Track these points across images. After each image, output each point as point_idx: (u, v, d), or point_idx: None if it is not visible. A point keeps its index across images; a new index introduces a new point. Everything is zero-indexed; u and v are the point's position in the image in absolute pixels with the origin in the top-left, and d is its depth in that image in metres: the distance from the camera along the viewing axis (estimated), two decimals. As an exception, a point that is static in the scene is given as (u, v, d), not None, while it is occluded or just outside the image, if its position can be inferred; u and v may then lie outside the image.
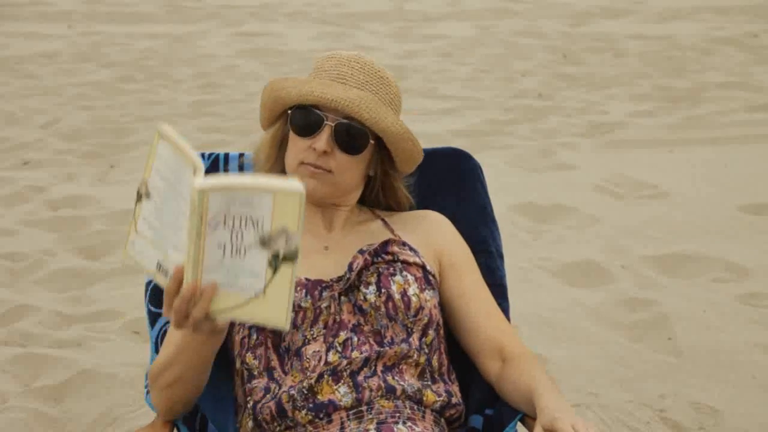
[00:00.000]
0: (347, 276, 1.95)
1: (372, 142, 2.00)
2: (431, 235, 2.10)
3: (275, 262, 1.57)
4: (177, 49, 9.45)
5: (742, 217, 4.95)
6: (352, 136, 1.98)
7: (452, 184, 2.29)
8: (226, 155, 2.27)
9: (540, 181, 5.54)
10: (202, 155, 2.25)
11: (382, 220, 2.12)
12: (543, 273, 4.27)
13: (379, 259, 1.99)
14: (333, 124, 1.97)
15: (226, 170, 2.26)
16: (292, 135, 2.01)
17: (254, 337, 1.94)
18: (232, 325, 1.99)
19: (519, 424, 1.95)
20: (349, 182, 2.03)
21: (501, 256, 2.26)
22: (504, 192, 5.19)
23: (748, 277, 4.20)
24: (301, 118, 1.99)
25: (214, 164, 2.25)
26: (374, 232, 2.08)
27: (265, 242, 1.57)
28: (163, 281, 1.63)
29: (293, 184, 1.55)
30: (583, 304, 3.95)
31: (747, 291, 4.06)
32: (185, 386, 1.89)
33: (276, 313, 1.58)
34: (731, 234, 4.72)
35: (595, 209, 5.06)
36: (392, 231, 2.08)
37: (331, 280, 1.96)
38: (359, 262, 1.96)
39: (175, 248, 1.62)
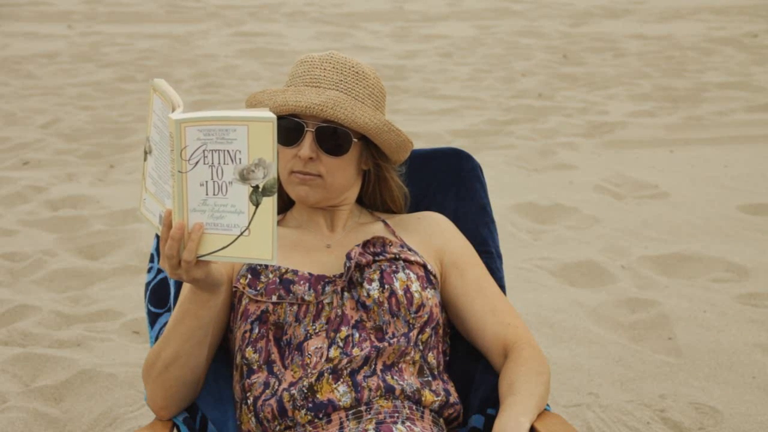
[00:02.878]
0: (347, 265, 1.96)
1: (355, 140, 2.00)
2: (431, 235, 2.11)
3: (256, 197, 1.63)
4: (177, 49, 9.45)
5: (742, 217, 4.95)
6: (335, 138, 1.98)
7: (452, 184, 2.29)
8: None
9: (540, 181, 5.54)
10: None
11: (383, 221, 2.12)
12: (543, 273, 4.27)
13: (381, 257, 1.99)
14: (314, 130, 1.97)
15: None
16: (279, 146, 2.01)
17: (256, 331, 1.94)
18: (233, 320, 1.99)
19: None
20: (341, 183, 2.03)
21: (500, 257, 2.27)
22: (504, 192, 5.19)
23: (748, 277, 4.20)
24: (282, 128, 1.99)
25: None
26: (376, 233, 2.09)
27: (244, 176, 1.62)
28: None
29: (265, 113, 1.60)
30: (583, 304, 3.95)
31: (747, 291, 4.06)
32: (183, 366, 1.89)
33: (262, 248, 1.64)
34: (731, 234, 4.72)
35: (595, 209, 5.06)
36: (393, 233, 2.09)
37: (334, 276, 1.98)
38: (356, 251, 1.97)
39: (169, 197, 1.66)
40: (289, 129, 1.97)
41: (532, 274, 4.25)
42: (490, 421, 2.01)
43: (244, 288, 1.97)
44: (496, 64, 8.71)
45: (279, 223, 2.12)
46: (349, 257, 1.97)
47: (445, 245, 2.10)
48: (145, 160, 1.71)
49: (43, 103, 7.32)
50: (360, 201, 2.18)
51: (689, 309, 3.88)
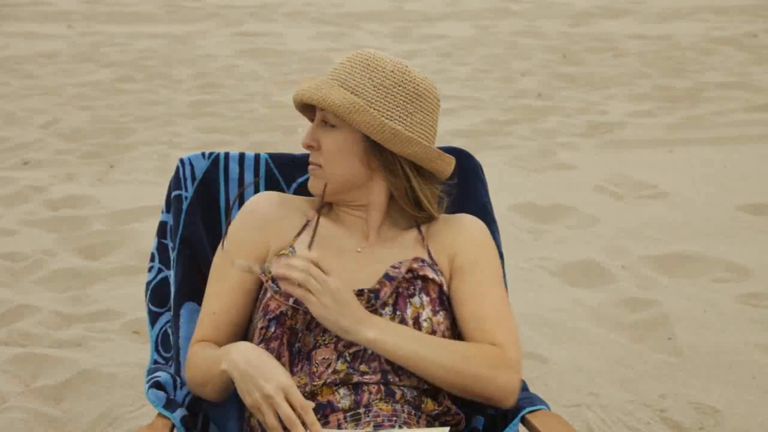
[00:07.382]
0: (372, 302, 1.91)
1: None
2: (452, 239, 2.04)
3: None
4: (177, 49, 9.45)
5: (742, 217, 4.95)
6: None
7: (452, 183, 2.27)
8: (226, 155, 2.27)
9: (540, 181, 5.54)
10: (203, 155, 2.25)
11: (419, 229, 2.06)
12: (543, 273, 4.27)
13: (401, 277, 1.95)
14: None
15: (226, 170, 2.25)
16: None
17: (272, 329, 1.92)
18: (255, 310, 2.00)
19: (520, 424, 1.95)
20: (340, 174, 1.98)
21: (501, 256, 2.25)
22: (504, 192, 5.19)
23: (748, 277, 4.20)
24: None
25: (215, 164, 2.25)
26: (406, 244, 2.02)
27: None
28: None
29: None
30: (583, 304, 3.95)
31: (747, 291, 4.06)
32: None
33: None
34: (731, 234, 4.72)
35: (595, 209, 5.06)
36: (422, 240, 2.03)
37: (354, 290, 1.91)
38: (386, 290, 1.92)
39: None
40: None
41: (532, 274, 4.25)
42: (490, 421, 2.01)
43: (267, 281, 1.95)
44: (496, 64, 8.71)
45: (322, 214, 2.06)
46: (377, 296, 1.92)
47: (458, 249, 2.03)
48: None
49: (43, 103, 7.32)
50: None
51: (689, 309, 3.88)
